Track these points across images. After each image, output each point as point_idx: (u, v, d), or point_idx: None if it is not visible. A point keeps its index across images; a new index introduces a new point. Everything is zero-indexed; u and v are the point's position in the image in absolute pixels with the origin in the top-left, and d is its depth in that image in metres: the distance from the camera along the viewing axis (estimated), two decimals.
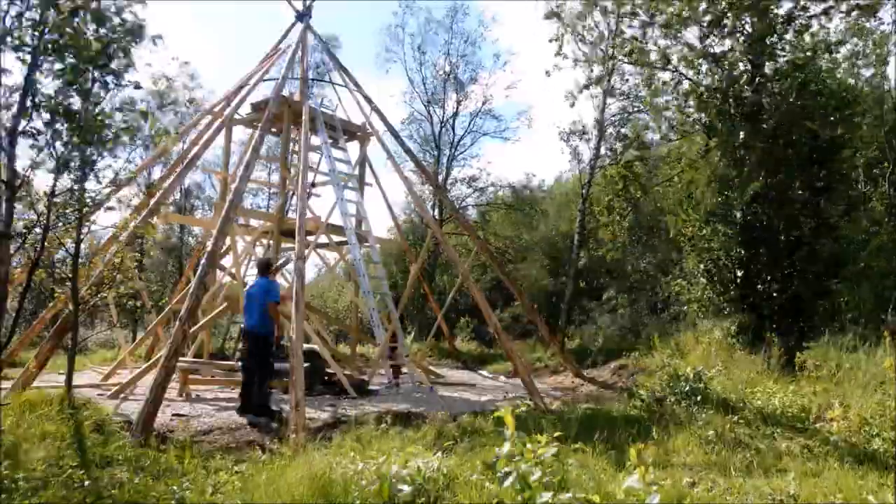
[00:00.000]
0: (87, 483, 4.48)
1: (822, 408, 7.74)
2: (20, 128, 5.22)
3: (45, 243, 6.18)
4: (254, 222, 14.59)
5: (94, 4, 5.48)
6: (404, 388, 11.52)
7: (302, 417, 7.32)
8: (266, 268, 8.74)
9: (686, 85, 13.52)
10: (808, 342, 11.16)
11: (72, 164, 5.83)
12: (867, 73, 19.57)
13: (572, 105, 16.83)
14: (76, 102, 5.66)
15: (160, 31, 6.00)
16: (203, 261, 9.09)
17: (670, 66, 13.46)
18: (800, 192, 11.48)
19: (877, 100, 18.01)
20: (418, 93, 24.50)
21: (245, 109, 13.91)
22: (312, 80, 14.15)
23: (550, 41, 14.97)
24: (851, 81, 16.67)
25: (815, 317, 11.53)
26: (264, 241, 14.44)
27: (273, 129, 14.41)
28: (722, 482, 4.99)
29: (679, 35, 13.21)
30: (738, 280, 11.89)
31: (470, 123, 24.63)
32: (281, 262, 13.54)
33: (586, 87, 15.50)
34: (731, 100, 12.32)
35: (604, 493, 3.86)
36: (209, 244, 9.30)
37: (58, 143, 5.62)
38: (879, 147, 17.24)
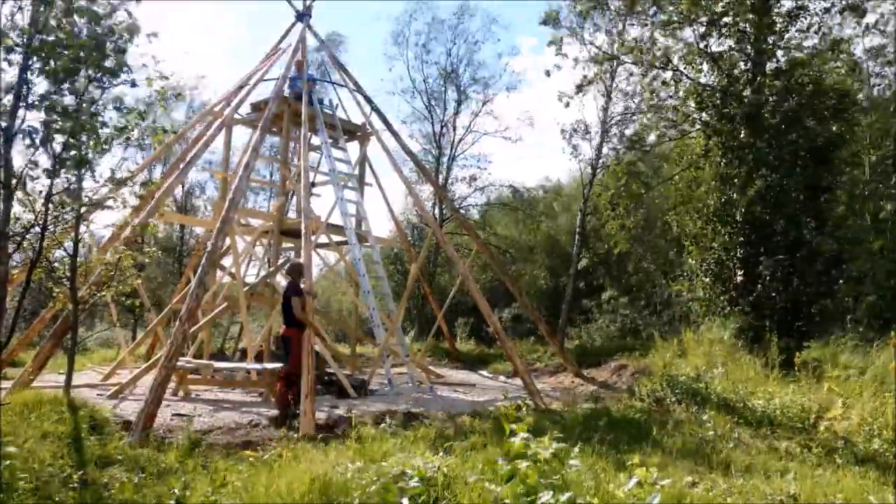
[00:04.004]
0: (87, 483, 4.48)
1: (823, 408, 7.73)
2: (15, 127, 5.22)
3: (44, 243, 6.18)
4: (254, 222, 14.58)
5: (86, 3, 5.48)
6: (404, 388, 11.51)
7: (310, 416, 7.33)
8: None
9: (687, 84, 13.52)
10: (808, 342, 11.15)
11: (68, 162, 5.82)
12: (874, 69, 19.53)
13: (567, 105, 16.76)
14: (71, 101, 5.65)
15: (163, 32, 5.96)
16: (203, 261, 9.09)
17: (671, 66, 13.45)
18: (800, 191, 11.47)
19: (881, 100, 17.98)
20: (419, 92, 24.48)
21: (245, 109, 13.91)
22: (312, 79, 14.12)
23: (549, 44, 14.93)
24: (857, 81, 16.64)
25: (815, 317, 11.52)
26: (264, 241, 14.43)
27: (273, 129, 14.40)
28: (722, 482, 4.98)
29: (678, 34, 13.20)
30: (739, 280, 11.88)
31: (471, 123, 24.60)
32: (280, 262, 13.53)
33: (580, 88, 15.45)
34: (731, 99, 12.32)
35: (604, 494, 3.86)
36: (209, 244, 9.30)
37: (54, 143, 5.62)
38: (885, 145, 17.19)
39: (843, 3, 12.07)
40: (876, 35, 17.46)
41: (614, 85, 18.09)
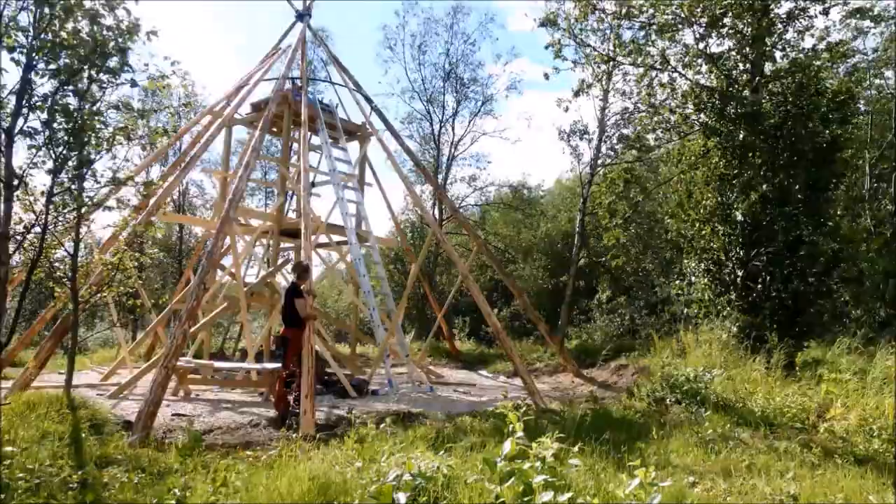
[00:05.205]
0: (87, 482, 4.48)
1: (823, 408, 7.74)
2: (17, 128, 5.22)
3: (44, 243, 6.18)
4: (254, 222, 14.59)
5: (87, 3, 5.49)
6: (404, 388, 11.52)
7: (310, 416, 7.33)
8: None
9: (685, 86, 13.52)
10: (808, 342, 11.15)
11: (70, 163, 5.82)
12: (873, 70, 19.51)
13: (566, 110, 16.82)
14: (73, 102, 5.66)
15: (162, 30, 5.97)
16: (203, 261, 9.09)
17: (669, 67, 13.44)
18: (800, 191, 11.48)
19: (879, 100, 17.98)
20: (417, 92, 24.46)
21: (245, 109, 13.92)
22: (312, 79, 14.13)
23: (547, 48, 14.85)
24: (847, 79, 16.65)
25: (815, 317, 11.53)
26: (264, 241, 14.44)
27: (273, 129, 14.40)
28: (722, 482, 4.98)
29: (676, 37, 13.19)
30: (739, 280, 11.89)
31: (469, 123, 24.59)
32: (280, 262, 13.53)
33: (577, 93, 15.47)
34: (730, 100, 12.32)
35: (604, 494, 3.86)
36: (209, 244, 9.31)
37: (56, 143, 5.62)
38: (883, 148, 17.21)
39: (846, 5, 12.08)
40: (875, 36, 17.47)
41: (612, 85, 18.10)
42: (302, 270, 9.02)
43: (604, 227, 14.92)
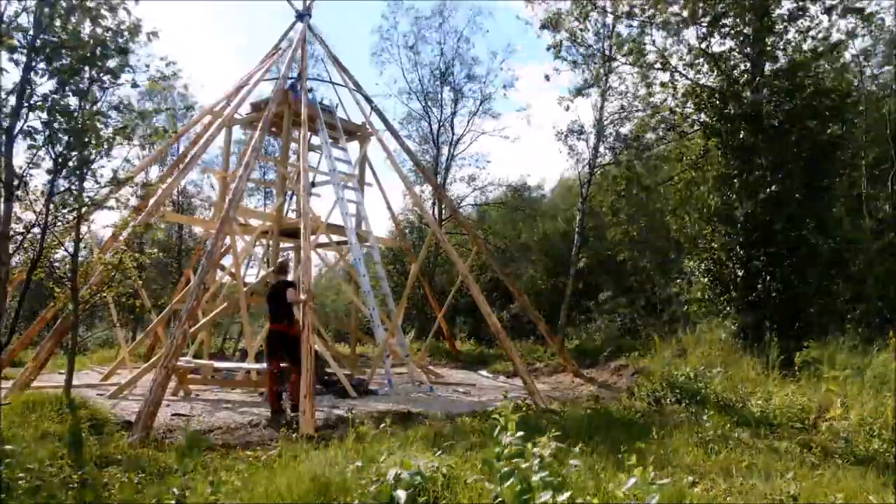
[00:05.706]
0: (87, 482, 4.48)
1: (823, 408, 7.73)
2: (17, 128, 5.22)
3: (44, 243, 6.18)
4: (253, 222, 14.58)
5: (90, 3, 5.49)
6: (404, 388, 11.51)
7: (310, 416, 7.33)
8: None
9: (685, 85, 13.52)
10: (808, 342, 11.16)
11: (70, 163, 5.82)
12: (874, 70, 19.46)
13: (567, 109, 16.87)
14: (73, 102, 5.67)
15: (162, 30, 5.98)
16: (203, 261, 9.09)
17: (669, 67, 13.44)
18: (800, 191, 11.48)
19: (879, 99, 17.94)
20: (415, 92, 24.43)
21: (245, 109, 13.91)
22: (312, 79, 14.14)
23: (548, 49, 14.85)
24: (853, 80, 16.61)
25: (815, 317, 11.53)
26: (264, 241, 14.43)
27: (273, 129, 14.40)
28: (722, 482, 4.98)
29: (678, 35, 13.20)
30: (739, 280, 11.89)
31: (469, 122, 24.55)
32: (280, 261, 13.54)
33: (580, 91, 15.49)
34: (730, 100, 12.33)
35: (604, 494, 3.86)
36: (209, 244, 9.31)
37: (56, 143, 5.62)
38: (882, 146, 17.18)
39: (844, 4, 12.07)
40: (869, 37, 17.44)
41: (609, 84, 18.09)
42: (283, 269, 9.14)
43: (607, 224, 14.96)
